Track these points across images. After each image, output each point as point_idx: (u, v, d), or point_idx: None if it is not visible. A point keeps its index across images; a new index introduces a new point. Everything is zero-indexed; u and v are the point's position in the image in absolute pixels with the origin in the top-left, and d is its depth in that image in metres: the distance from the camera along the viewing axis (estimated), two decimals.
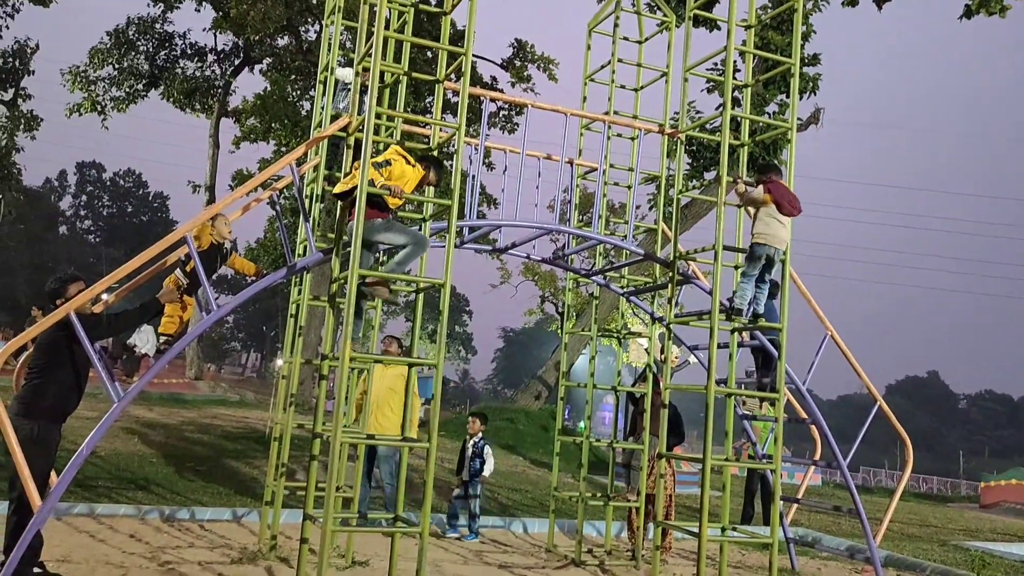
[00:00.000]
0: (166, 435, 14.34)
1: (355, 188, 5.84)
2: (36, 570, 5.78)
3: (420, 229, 6.75)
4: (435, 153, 6.86)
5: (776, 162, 7.34)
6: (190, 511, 9.04)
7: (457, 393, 79.29)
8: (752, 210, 7.34)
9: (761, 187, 7.09)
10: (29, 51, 31.28)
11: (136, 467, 11.51)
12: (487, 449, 9.65)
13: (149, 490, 10.28)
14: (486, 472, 9.54)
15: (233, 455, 13.31)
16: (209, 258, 6.66)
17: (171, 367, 26.61)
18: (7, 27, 30.72)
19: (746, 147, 7.87)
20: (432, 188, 6.74)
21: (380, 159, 6.09)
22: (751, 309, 7.16)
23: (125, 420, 14.63)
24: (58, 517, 8.01)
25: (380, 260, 6.53)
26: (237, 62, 30.48)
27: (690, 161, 19.33)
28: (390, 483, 8.74)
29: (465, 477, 9.48)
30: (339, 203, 6.50)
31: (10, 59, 30.93)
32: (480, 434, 9.71)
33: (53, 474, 5.94)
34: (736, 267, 7.59)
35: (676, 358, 8.61)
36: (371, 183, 5.80)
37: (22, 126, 30.63)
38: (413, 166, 6.21)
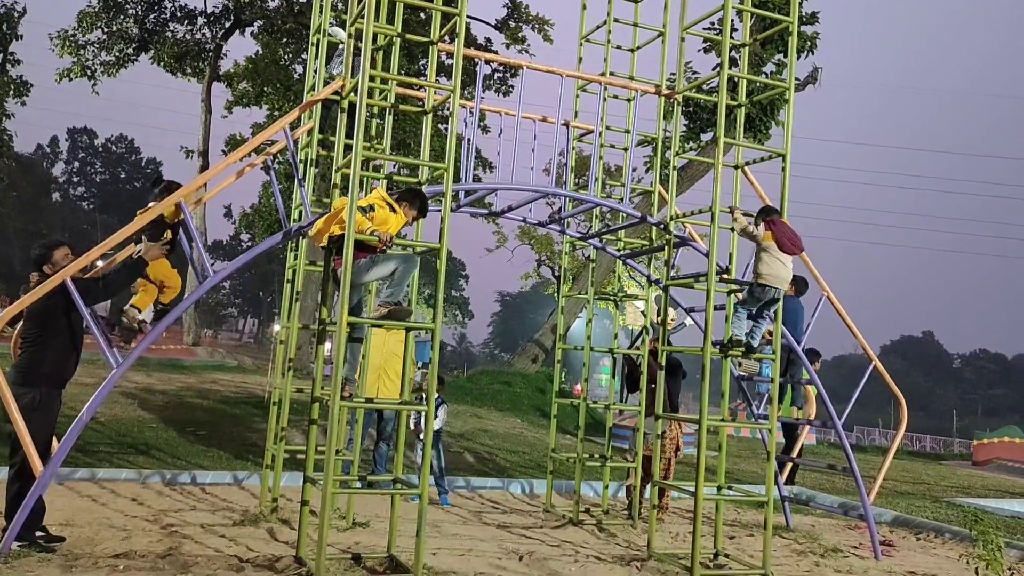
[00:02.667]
0: (165, 400, 14.41)
1: (342, 236, 5.78)
2: (39, 534, 5.84)
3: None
4: (420, 188, 6.67)
5: (773, 206, 7.35)
6: (191, 475, 9.13)
7: (454, 357, 79.69)
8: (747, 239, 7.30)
9: (763, 226, 7.08)
10: (16, 15, 30.79)
11: (136, 432, 11.59)
12: (443, 407, 9.20)
13: (150, 455, 10.36)
14: (437, 425, 8.94)
15: (232, 420, 13.40)
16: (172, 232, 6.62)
17: (169, 333, 26.65)
18: None
19: (743, 107, 7.82)
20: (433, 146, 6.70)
21: (364, 203, 6.00)
22: (747, 340, 7.23)
23: (124, 386, 14.70)
24: (60, 482, 8.09)
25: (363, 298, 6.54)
26: (228, 25, 30.02)
27: (687, 122, 19.22)
28: (390, 444, 8.84)
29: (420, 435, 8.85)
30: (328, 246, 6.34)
31: None
32: (437, 394, 9.00)
33: (55, 440, 5.98)
34: (732, 228, 7.58)
35: (673, 320, 8.63)
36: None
37: (12, 92, 30.27)
38: (395, 212, 6.14)
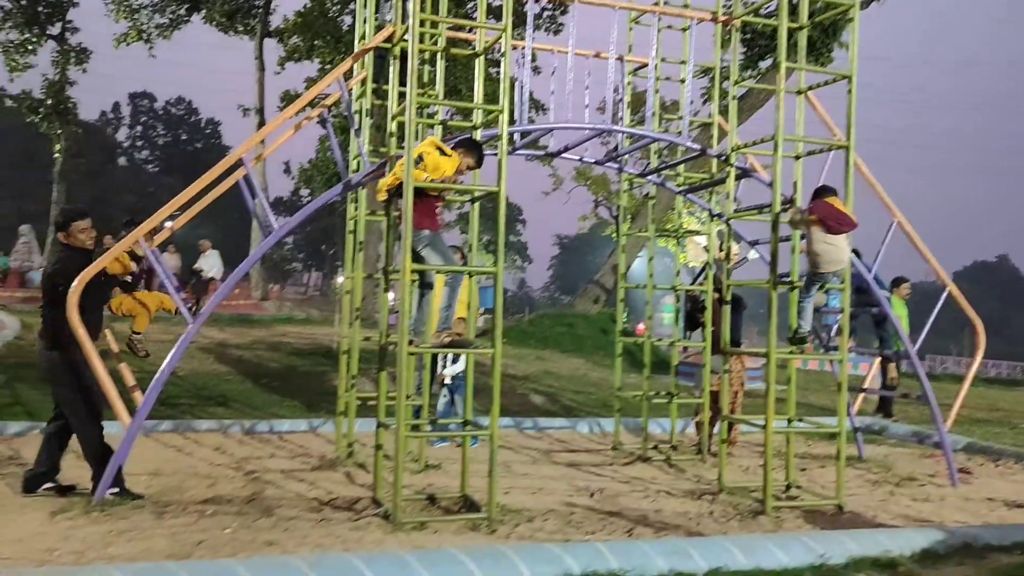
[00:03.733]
0: (239, 354, 14.88)
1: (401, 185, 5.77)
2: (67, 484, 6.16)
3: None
4: (476, 133, 6.67)
5: (828, 186, 7.09)
6: (269, 424, 9.46)
7: (515, 301, 79.97)
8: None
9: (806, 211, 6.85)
10: None
11: (214, 385, 12.03)
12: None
13: (228, 406, 10.75)
14: (457, 368, 8.71)
15: (304, 370, 13.78)
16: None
17: (239, 289, 27.30)
18: None
19: (804, 30, 7.50)
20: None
21: (415, 153, 5.96)
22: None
23: (200, 341, 15.19)
24: (146, 434, 8.46)
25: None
26: None
27: (745, 50, 18.59)
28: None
29: (448, 381, 8.81)
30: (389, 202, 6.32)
31: None
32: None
33: (139, 393, 6.19)
34: (796, 156, 7.36)
35: (736, 255, 8.48)
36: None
37: (72, 59, 30.89)
38: (448, 155, 6.05)
